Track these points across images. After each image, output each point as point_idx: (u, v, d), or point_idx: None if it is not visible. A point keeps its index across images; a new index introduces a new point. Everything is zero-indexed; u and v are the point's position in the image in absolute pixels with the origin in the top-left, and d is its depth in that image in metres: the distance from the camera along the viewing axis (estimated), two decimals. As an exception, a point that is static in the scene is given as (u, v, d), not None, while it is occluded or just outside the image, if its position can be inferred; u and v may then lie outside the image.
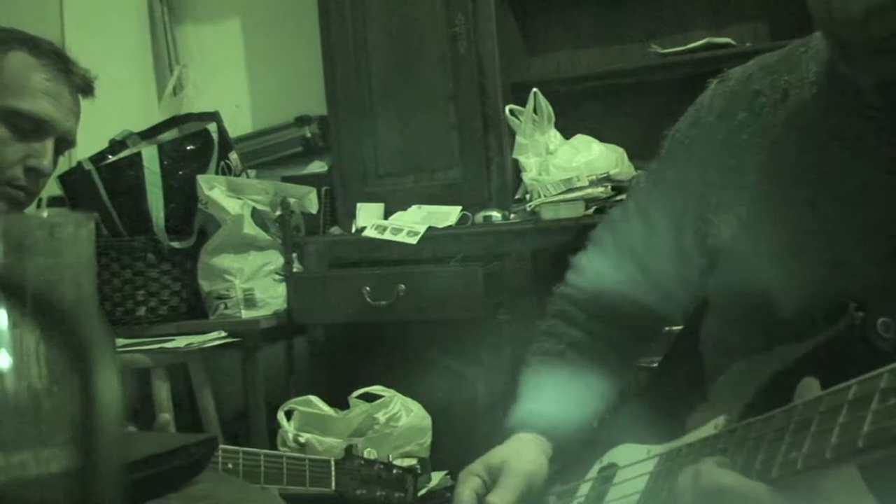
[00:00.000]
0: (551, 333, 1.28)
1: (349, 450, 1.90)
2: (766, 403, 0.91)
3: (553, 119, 2.88)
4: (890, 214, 0.95)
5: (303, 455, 1.91)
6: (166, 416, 1.68)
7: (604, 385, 1.25)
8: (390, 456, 2.00)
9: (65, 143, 1.60)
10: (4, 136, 1.50)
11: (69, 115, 1.58)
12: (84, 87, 1.62)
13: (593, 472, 1.15)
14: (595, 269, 1.28)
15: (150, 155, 2.89)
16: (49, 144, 1.55)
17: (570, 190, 2.75)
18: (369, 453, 1.93)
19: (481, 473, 1.17)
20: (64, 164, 2.77)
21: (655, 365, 1.29)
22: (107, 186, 2.88)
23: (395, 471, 1.93)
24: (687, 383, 1.19)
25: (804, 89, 1.05)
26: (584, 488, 1.15)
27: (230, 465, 1.68)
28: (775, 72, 1.10)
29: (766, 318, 1.00)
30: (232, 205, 2.88)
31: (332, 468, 1.83)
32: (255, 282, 2.91)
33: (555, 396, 1.22)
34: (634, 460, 1.08)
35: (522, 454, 1.17)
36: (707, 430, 0.97)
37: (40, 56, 1.55)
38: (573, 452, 1.21)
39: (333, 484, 1.82)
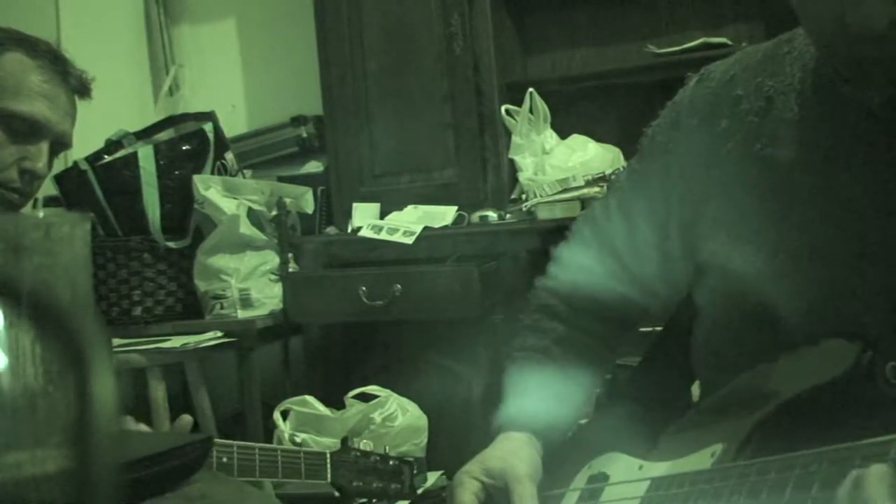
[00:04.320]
0: (535, 328, 1.27)
1: (345, 442, 1.90)
2: (765, 438, 0.91)
3: (549, 119, 2.88)
4: (887, 238, 0.93)
5: (298, 448, 1.91)
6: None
7: (588, 379, 1.24)
8: (386, 448, 1.99)
9: (60, 145, 1.59)
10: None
11: (65, 118, 1.57)
12: (81, 88, 1.60)
13: (581, 480, 1.14)
14: (577, 263, 1.27)
15: (146, 155, 2.88)
16: (44, 147, 1.54)
17: (566, 190, 2.75)
18: (365, 445, 1.92)
19: (480, 477, 1.14)
20: (60, 164, 2.76)
21: (636, 364, 1.28)
22: (103, 186, 2.87)
23: (391, 462, 1.93)
24: (669, 386, 1.19)
25: (789, 97, 1.03)
26: (571, 498, 1.13)
27: (225, 460, 1.68)
28: (759, 74, 1.07)
29: (763, 337, 0.99)
30: (228, 205, 2.88)
31: (328, 461, 1.82)
32: (251, 282, 2.91)
33: (542, 395, 1.21)
34: (626, 476, 1.07)
35: (521, 456, 1.15)
36: (703, 457, 0.96)
37: (37, 57, 1.53)
38: (561, 451, 1.19)
39: (329, 476, 1.81)
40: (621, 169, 2.71)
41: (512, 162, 2.89)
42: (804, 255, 0.98)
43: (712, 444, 0.96)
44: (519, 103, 2.87)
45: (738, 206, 1.05)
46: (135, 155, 2.88)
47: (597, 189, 2.72)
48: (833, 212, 0.97)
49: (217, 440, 1.68)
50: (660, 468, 1.02)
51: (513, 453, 1.16)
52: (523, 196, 2.85)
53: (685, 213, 1.12)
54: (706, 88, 1.13)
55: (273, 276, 2.95)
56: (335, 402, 2.72)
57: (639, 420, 1.12)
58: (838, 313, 0.95)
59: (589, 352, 1.24)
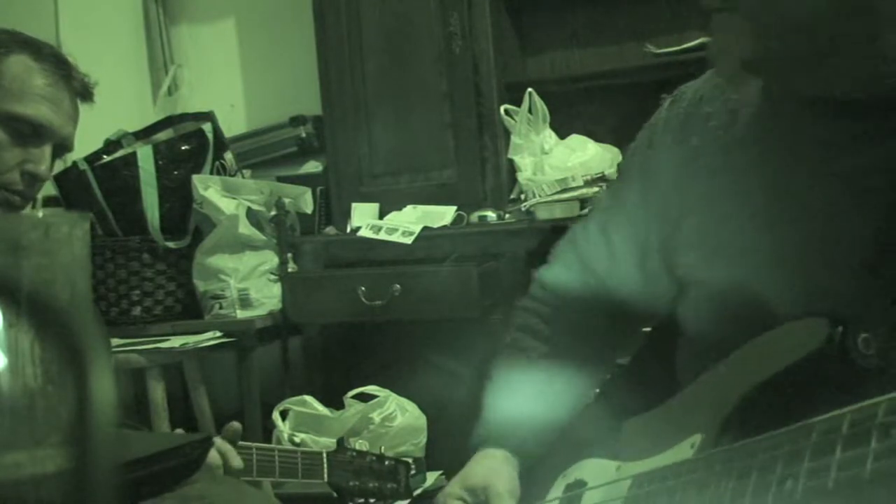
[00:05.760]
0: (516, 347, 1.28)
1: (341, 442, 1.90)
2: (744, 422, 0.91)
3: (548, 119, 2.88)
4: (856, 226, 0.93)
5: (295, 448, 1.91)
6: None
7: (569, 398, 1.25)
8: (382, 448, 1.99)
9: (62, 148, 1.60)
10: (2, 140, 1.49)
11: (68, 121, 1.57)
12: (84, 92, 1.61)
13: (557, 490, 1.14)
14: (559, 284, 1.28)
15: (145, 155, 2.89)
16: (47, 150, 1.54)
17: (564, 190, 2.75)
18: (361, 445, 1.92)
19: (463, 496, 1.17)
20: (59, 164, 2.76)
21: (625, 365, 1.29)
22: (102, 186, 2.87)
23: (387, 462, 1.93)
24: (652, 388, 1.19)
25: (752, 107, 1.04)
26: None
27: None
28: (726, 90, 1.08)
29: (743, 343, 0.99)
30: (227, 205, 2.88)
31: (325, 460, 1.83)
32: (250, 282, 2.91)
33: (521, 412, 1.22)
34: (604, 480, 1.07)
35: (501, 474, 1.18)
36: (683, 449, 0.96)
37: (41, 60, 1.54)
38: (537, 466, 1.21)
39: (326, 476, 1.81)
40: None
41: (511, 162, 2.89)
42: (779, 259, 0.98)
43: (690, 436, 0.96)
44: (518, 103, 2.87)
45: (711, 219, 1.06)
46: (134, 155, 2.89)
47: (596, 189, 2.72)
48: (799, 210, 0.98)
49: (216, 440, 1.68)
50: (638, 466, 1.03)
51: (493, 470, 1.19)
52: (522, 196, 2.85)
53: (664, 230, 1.13)
54: (678, 108, 1.14)
55: (272, 276, 2.95)
56: (334, 402, 2.72)
57: (613, 423, 1.12)
58: (817, 311, 0.95)
59: (570, 370, 1.25)
